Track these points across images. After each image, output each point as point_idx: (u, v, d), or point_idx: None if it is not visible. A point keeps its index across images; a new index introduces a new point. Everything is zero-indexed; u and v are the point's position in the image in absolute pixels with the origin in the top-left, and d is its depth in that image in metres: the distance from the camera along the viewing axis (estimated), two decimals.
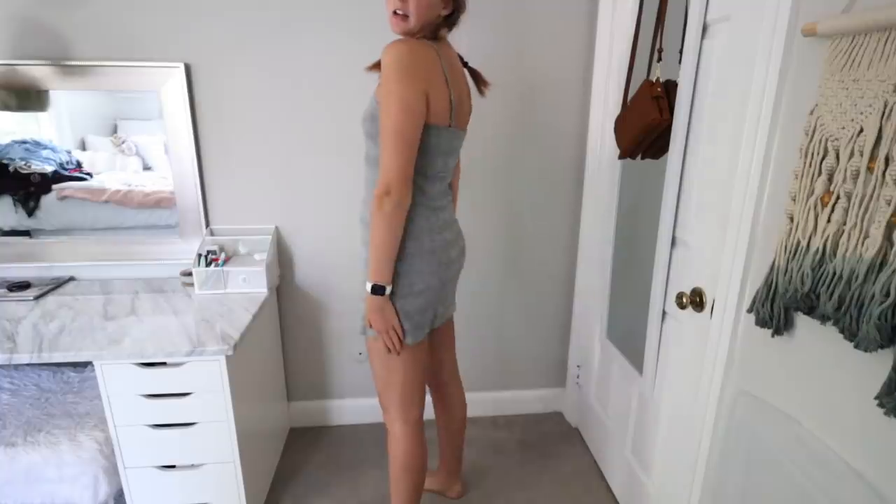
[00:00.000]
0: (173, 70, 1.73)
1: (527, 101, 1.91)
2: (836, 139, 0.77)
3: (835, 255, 0.77)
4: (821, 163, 0.80)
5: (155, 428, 1.43)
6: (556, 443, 2.09)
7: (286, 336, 2.06)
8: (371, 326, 1.24)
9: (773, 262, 0.89)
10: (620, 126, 1.47)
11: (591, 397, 2.02)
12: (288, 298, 2.02)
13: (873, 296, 0.70)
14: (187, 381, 1.41)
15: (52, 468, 1.41)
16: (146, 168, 1.90)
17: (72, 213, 1.86)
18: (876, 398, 0.72)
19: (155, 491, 1.49)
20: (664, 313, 1.40)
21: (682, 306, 1.25)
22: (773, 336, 0.93)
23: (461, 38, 1.42)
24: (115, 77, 1.73)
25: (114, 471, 1.47)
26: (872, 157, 0.72)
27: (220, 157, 1.85)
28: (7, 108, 1.77)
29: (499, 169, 1.97)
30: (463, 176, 1.79)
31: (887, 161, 0.69)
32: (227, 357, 1.38)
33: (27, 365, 1.76)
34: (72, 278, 1.90)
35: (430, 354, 1.43)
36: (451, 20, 1.21)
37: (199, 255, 1.75)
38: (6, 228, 1.85)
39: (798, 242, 0.83)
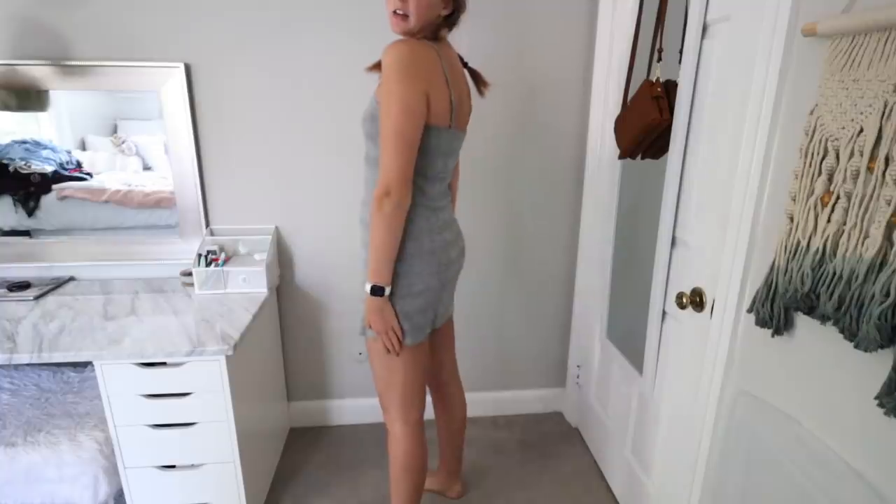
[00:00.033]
0: (173, 70, 1.73)
1: (527, 101, 1.91)
2: (836, 139, 0.77)
3: (835, 255, 0.77)
4: (821, 163, 0.80)
5: (155, 428, 1.43)
6: (556, 443, 2.09)
7: (286, 336, 2.06)
8: (370, 327, 1.24)
9: (773, 262, 0.89)
10: (620, 126, 1.47)
11: (591, 397, 2.02)
12: (288, 298, 2.02)
13: (873, 296, 0.70)
14: (187, 381, 1.41)
15: (52, 468, 1.41)
16: (146, 168, 1.90)
17: (72, 213, 1.86)
18: (876, 398, 0.72)
19: (155, 491, 1.49)
20: (664, 313, 1.40)
21: (682, 306, 1.25)
22: (773, 336, 0.93)
23: (461, 38, 1.42)
24: (115, 77, 1.73)
25: (114, 471, 1.47)
26: (872, 157, 0.72)
27: (220, 157, 1.85)
28: (7, 108, 1.77)
29: (499, 169, 1.97)
30: (463, 176, 1.79)
31: (887, 161, 0.69)
32: (227, 357, 1.38)
33: (27, 365, 1.76)
34: (72, 278, 1.90)
35: (430, 355, 1.43)
36: (451, 20, 1.21)
37: (199, 255, 1.75)
38: (6, 228, 1.85)
39: (798, 242, 0.83)
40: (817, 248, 0.79)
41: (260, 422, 1.73)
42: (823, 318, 0.80)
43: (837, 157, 0.77)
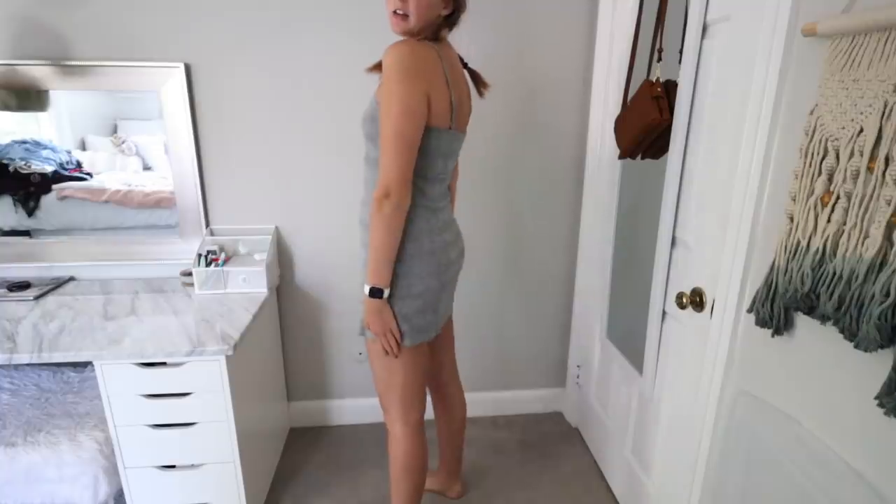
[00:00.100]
0: (173, 70, 1.73)
1: (527, 101, 1.91)
2: (836, 139, 0.77)
3: (835, 255, 0.77)
4: (821, 163, 0.80)
5: (155, 428, 1.43)
6: (556, 443, 2.10)
7: (286, 336, 2.06)
8: (369, 328, 1.24)
9: (773, 262, 0.89)
10: (620, 126, 1.47)
11: (591, 397, 2.02)
12: (288, 298, 2.02)
13: (873, 296, 0.70)
14: (187, 381, 1.41)
15: (52, 468, 1.41)
16: (146, 168, 1.90)
17: (72, 213, 1.86)
18: (876, 398, 0.72)
19: (155, 491, 1.49)
20: (664, 313, 1.40)
21: (682, 306, 1.25)
22: (773, 336, 0.93)
23: (461, 38, 1.41)
24: (115, 77, 1.73)
25: (114, 471, 1.47)
26: (872, 157, 0.72)
27: (220, 157, 1.85)
28: (7, 108, 1.77)
29: (499, 169, 1.97)
30: (463, 176, 1.79)
31: (887, 161, 0.69)
32: (227, 357, 1.38)
33: (27, 365, 1.76)
34: (72, 278, 1.90)
35: (429, 356, 1.43)
36: (451, 20, 1.20)
37: (199, 255, 1.75)
38: (6, 228, 1.85)
39: (798, 242, 0.83)
40: (817, 248, 0.79)
41: (260, 422, 1.73)
42: (823, 318, 0.80)
43: (837, 157, 0.77)
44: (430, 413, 1.53)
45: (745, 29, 1.04)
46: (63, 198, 1.84)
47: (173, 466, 1.48)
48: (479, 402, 2.21)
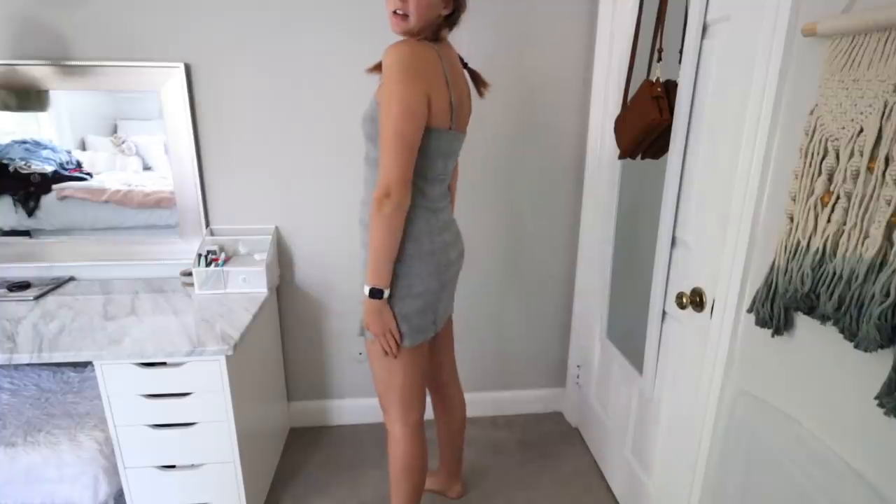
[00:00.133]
0: (173, 70, 1.73)
1: (527, 101, 1.91)
2: (836, 139, 0.77)
3: (835, 255, 0.77)
4: (821, 163, 0.80)
5: (155, 428, 1.43)
6: (556, 443, 2.09)
7: (286, 336, 2.06)
8: (368, 329, 1.24)
9: (773, 262, 0.89)
10: (620, 126, 1.47)
11: (591, 397, 2.02)
12: (288, 298, 2.02)
13: (873, 296, 0.70)
14: (187, 381, 1.41)
15: (52, 468, 1.41)
16: (146, 168, 1.90)
17: (72, 213, 1.86)
18: (876, 398, 0.72)
19: (155, 491, 1.49)
20: (664, 313, 1.40)
21: (682, 306, 1.25)
22: (773, 336, 0.93)
23: (461, 38, 1.41)
24: (115, 77, 1.73)
25: (114, 471, 1.47)
26: (872, 157, 0.72)
27: (220, 157, 1.85)
28: (7, 108, 1.77)
29: (499, 169, 1.97)
30: (463, 176, 1.79)
31: (887, 161, 0.69)
32: (227, 357, 1.38)
33: (27, 365, 1.76)
34: (72, 278, 1.90)
35: (429, 356, 1.43)
36: (451, 20, 1.20)
37: (199, 255, 1.75)
38: (6, 228, 1.85)
39: (798, 242, 0.83)
40: (817, 248, 0.79)
41: (260, 422, 1.73)
42: (823, 318, 0.80)
43: (837, 157, 0.77)
44: (430, 413, 1.53)
45: (745, 29, 1.04)
46: (63, 198, 1.84)
47: (173, 466, 1.48)
48: (478, 403, 2.21)
